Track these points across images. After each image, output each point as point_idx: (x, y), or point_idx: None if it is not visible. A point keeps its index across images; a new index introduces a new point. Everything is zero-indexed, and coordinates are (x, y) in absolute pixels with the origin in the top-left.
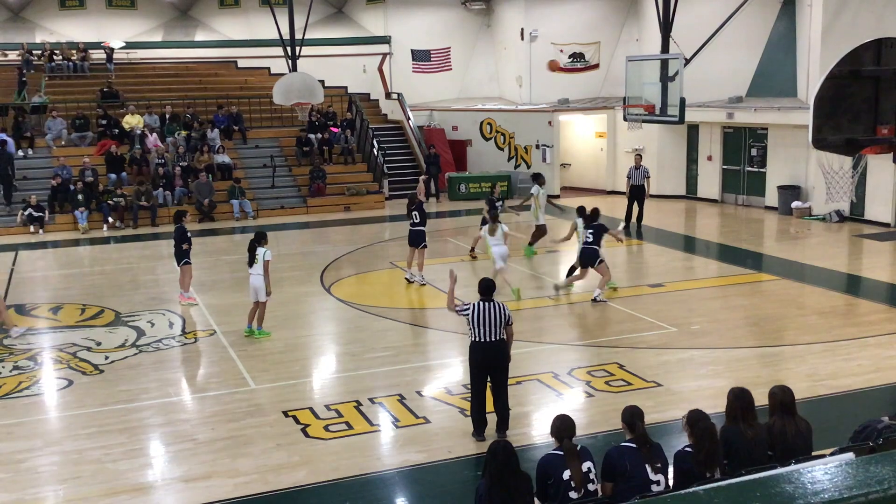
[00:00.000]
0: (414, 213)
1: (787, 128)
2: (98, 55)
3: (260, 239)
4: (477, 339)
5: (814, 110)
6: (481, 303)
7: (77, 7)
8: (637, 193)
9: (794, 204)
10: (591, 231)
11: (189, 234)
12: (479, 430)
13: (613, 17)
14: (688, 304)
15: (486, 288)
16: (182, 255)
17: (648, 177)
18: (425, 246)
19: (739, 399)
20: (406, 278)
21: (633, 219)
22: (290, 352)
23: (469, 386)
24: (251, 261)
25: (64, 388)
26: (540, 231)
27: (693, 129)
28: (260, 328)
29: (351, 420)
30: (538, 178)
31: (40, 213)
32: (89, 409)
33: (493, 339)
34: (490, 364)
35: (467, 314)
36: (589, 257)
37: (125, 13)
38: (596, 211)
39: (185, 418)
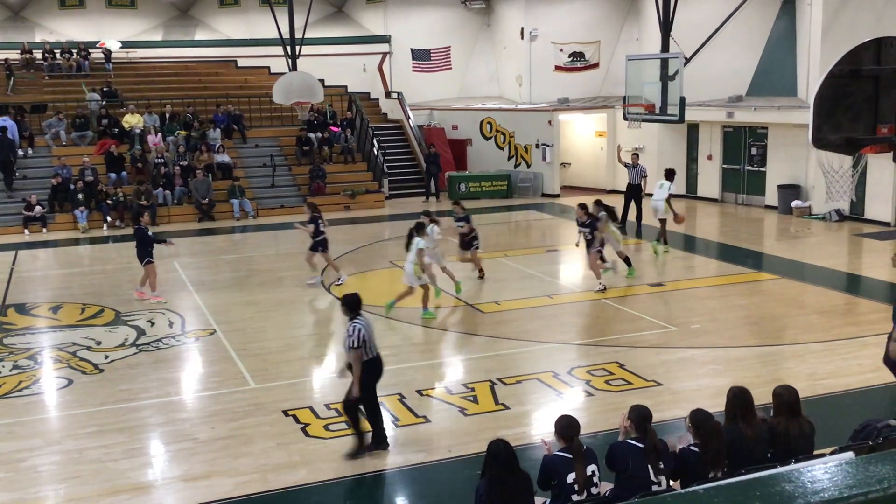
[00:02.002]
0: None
1: (787, 127)
2: (98, 54)
3: (419, 228)
4: (372, 355)
5: (814, 109)
6: (361, 321)
7: (77, 6)
8: (634, 192)
9: (794, 203)
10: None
11: (151, 234)
12: (385, 442)
13: (613, 16)
14: (688, 303)
15: (357, 303)
16: (144, 255)
17: (645, 176)
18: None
19: (739, 399)
20: (337, 284)
21: (633, 218)
22: (290, 351)
23: (367, 406)
24: (407, 246)
25: (64, 387)
26: (664, 225)
27: (693, 129)
28: (425, 309)
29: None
30: (671, 175)
31: (41, 213)
32: (89, 408)
33: (379, 351)
34: (380, 376)
35: (365, 336)
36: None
37: (125, 12)
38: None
39: (185, 417)
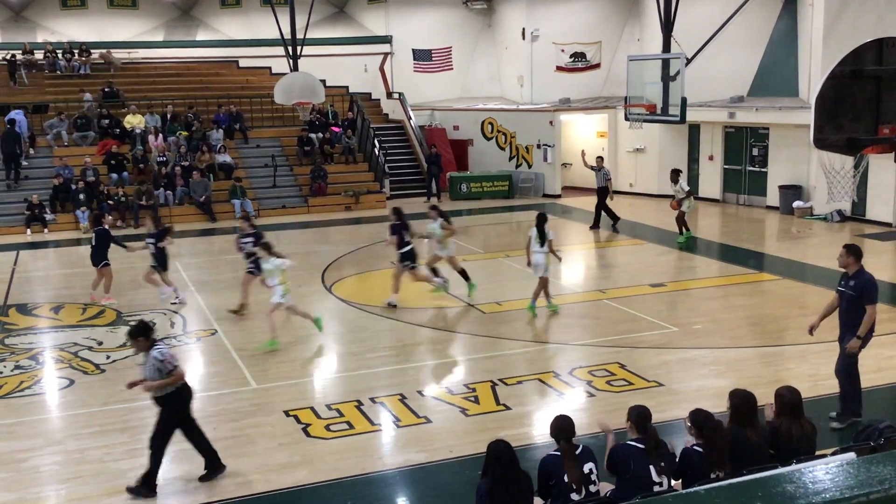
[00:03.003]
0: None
1: (788, 127)
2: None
3: (544, 219)
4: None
5: (815, 110)
6: (161, 345)
7: (78, 7)
8: (599, 195)
9: (796, 203)
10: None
11: (113, 235)
12: (154, 490)
13: (615, 16)
14: (689, 303)
15: (149, 329)
16: (102, 258)
17: (609, 178)
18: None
19: (746, 404)
20: (173, 303)
21: (602, 217)
22: (292, 351)
23: (161, 435)
24: (540, 239)
25: (65, 387)
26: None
27: (694, 129)
28: (550, 302)
29: (352, 420)
30: (679, 174)
31: (44, 213)
32: (91, 408)
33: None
34: (190, 402)
35: (174, 363)
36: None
37: (126, 13)
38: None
39: None
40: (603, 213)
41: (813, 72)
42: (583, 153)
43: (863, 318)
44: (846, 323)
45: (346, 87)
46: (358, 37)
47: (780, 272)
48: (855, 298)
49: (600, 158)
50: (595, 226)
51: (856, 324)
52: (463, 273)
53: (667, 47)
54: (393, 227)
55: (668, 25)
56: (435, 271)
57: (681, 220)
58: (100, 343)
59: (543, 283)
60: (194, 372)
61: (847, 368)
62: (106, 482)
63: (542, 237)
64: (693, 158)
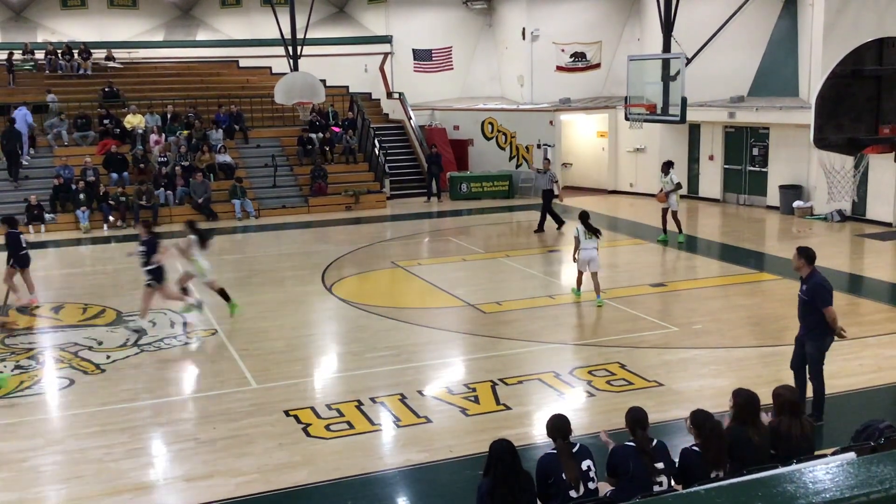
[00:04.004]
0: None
1: (788, 127)
2: (99, 55)
3: (587, 216)
4: None
5: (815, 110)
6: None
7: (79, 7)
8: (543, 198)
9: (796, 203)
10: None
11: (24, 239)
12: None
13: (615, 16)
14: (689, 303)
15: None
16: (20, 260)
17: (556, 181)
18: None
19: (750, 405)
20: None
21: (552, 222)
22: (292, 351)
23: None
24: (594, 232)
25: (65, 387)
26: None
27: (695, 129)
28: (599, 296)
29: (352, 419)
30: (671, 166)
31: (43, 213)
32: (91, 408)
33: None
34: None
35: None
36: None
37: (127, 13)
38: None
39: (187, 418)
40: (548, 216)
41: (813, 72)
42: (529, 154)
43: (818, 320)
44: (803, 326)
45: (347, 87)
46: (358, 37)
47: (780, 272)
48: (807, 302)
49: (546, 161)
50: (539, 229)
51: (811, 327)
52: (222, 293)
53: (667, 47)
54: (145, 242)
55: (668, 25)
56: (185, 290)
57: (675, 217)
58: (100, 343)
59: (593, 277)
60: (194, 372)
61: (818, 369)
62: (106, 482)
63: (593, 232)
64: (693, 158)
